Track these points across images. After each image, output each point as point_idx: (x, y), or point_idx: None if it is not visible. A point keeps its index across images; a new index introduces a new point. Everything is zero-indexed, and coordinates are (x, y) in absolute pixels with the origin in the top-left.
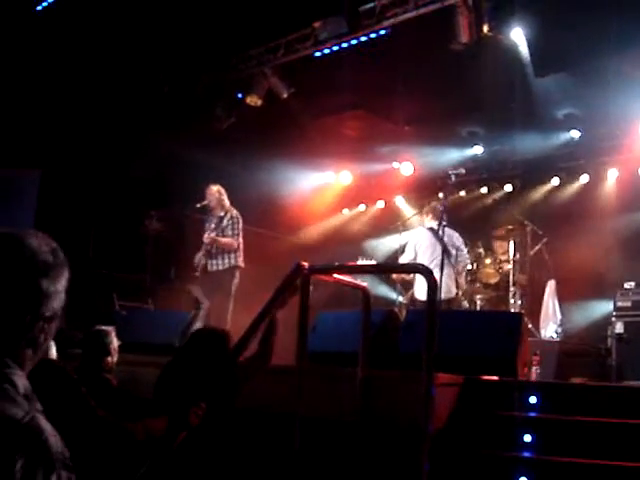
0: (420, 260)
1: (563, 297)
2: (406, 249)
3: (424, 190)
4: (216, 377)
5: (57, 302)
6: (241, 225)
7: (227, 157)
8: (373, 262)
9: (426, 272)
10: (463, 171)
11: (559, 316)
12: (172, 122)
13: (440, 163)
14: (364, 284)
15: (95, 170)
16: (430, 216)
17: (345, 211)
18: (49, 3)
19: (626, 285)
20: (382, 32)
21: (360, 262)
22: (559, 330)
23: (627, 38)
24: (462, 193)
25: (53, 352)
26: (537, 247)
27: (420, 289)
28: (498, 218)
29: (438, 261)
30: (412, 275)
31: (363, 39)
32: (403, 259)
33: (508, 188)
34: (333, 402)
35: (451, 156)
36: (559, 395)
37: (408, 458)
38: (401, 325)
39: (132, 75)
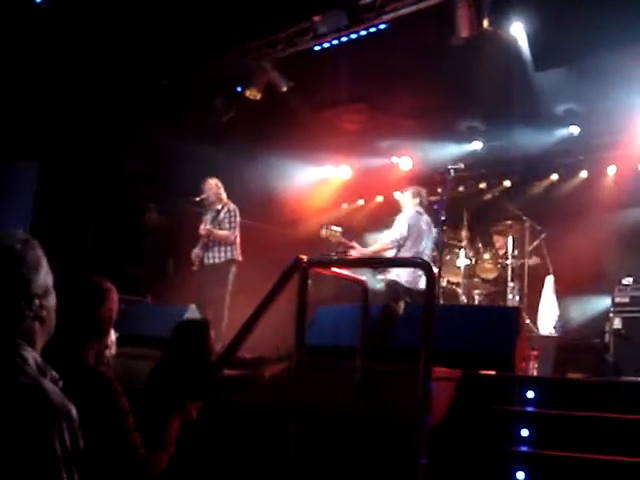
0: (411, 245)
1: (561, 292)
2: (398, 226)
3: (423, 185)
4: (197, 366)
5: (43, 279)
6: (238, 219)
7: (226, 150)
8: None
9: (426, 267)
10: (462, 166)
11: (557, 311)
12: (171, 115)
13: (439, 158)
14: (363, 278)
15: (94, 162)
16: (418, 200)
17: (344, 205)
18: None
19: (624, 281)
20: (382, 26)
21: (324, 231)
22: (557, 325)
23: (627, 33)
24: (461, 188)
25: (112, 336)
26: (536, 242)
27: (403, 273)
28: (497, 213)
29: (429, 251)
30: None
31: (363, 33)
32: (392, 234)
33: (507, 183)
34: (331, 396)
35: (450, 151)
36: (557, 390)
37: (406, 452)
38: (399, 319)
39: (131, 68)
